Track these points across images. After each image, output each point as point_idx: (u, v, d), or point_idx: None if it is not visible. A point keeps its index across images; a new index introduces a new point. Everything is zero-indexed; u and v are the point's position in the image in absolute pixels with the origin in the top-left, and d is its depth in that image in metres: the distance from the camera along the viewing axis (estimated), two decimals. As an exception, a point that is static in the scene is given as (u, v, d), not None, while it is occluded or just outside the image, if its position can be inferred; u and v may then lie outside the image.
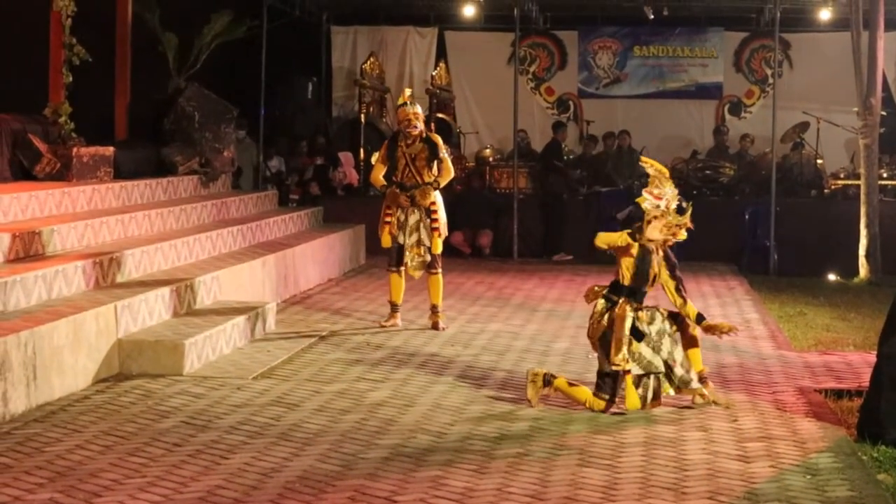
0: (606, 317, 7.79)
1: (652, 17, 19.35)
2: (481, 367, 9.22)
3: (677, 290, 7.91)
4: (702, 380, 8.01)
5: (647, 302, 7.98)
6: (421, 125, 10.68)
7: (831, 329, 11.29)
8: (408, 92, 11.04)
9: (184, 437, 6.94)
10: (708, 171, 17.83)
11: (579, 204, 17.52)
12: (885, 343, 7.39)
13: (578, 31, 20.53)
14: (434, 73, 19.84)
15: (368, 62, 19.50)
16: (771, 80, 19.02)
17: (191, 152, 13.88)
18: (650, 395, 7.79)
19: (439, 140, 10.81)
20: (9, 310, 7.99)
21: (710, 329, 7.96)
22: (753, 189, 17.77)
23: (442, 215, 10.71)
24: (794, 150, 18.33)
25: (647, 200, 7.82)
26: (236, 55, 17.63)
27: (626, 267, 7.80)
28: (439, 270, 10.81)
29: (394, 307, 10.86)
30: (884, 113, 16.53)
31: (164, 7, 15.31)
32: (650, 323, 7.80)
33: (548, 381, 7.92)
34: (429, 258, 10.71)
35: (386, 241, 10.73)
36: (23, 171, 11.68)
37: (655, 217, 7.79)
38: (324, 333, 10.46)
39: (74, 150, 11.82)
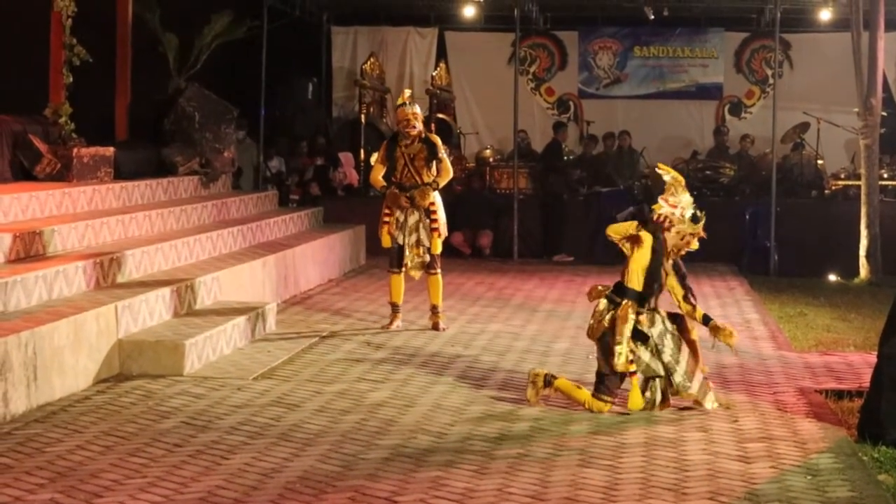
0: (608, 317, 7.79)
1: (652, 17, 19.35)
2: (482, 367, 9.22)
3: (685, 297, 7.94)
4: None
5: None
6: (420, 125, 10.68)
7: (832, 329, 11.29)
8: (407, 92, 11.04)
9: (184, 437, 6.94)
10: (708, 172, 17.83)
11: (579, 204, 17.52)
12: (886, 343, 7.39)
13: (579, 32, 20.53)
14: (434, 74, 19.83)
15: (369, 62, 19.50)
16: (771, 81, 19.02)
17: (191, 153, 13.88)
18: (658, 398, 7.79)
19: (438, 140, 10.81)
20: (9, 310, 8.00)
21: (715, 330, 7.98)
22: (754, 189, 17.77)
23: (441, 216, 10.71)
24: (794, 151, 18.33)
25: (662, 207, 7.87)
26: (236, 55, 17.63)
27: (639, 264, 7.75)
28: (439, 271, 10.81)
29: (394, 308, 10.86)
30: (884, 113, 16.51)
31: (165, 7, 15.31)
32: (651, 326, 7.80)
33: (548, 381, 7.92)
34: (428, 259, 10.71)
35: (385, 242, 10.73)
36: (23, 172, 11.68)
37: (672, 224, 7.82)
38: (324, 334, 10.46)
39: (75, 150, 11.83)
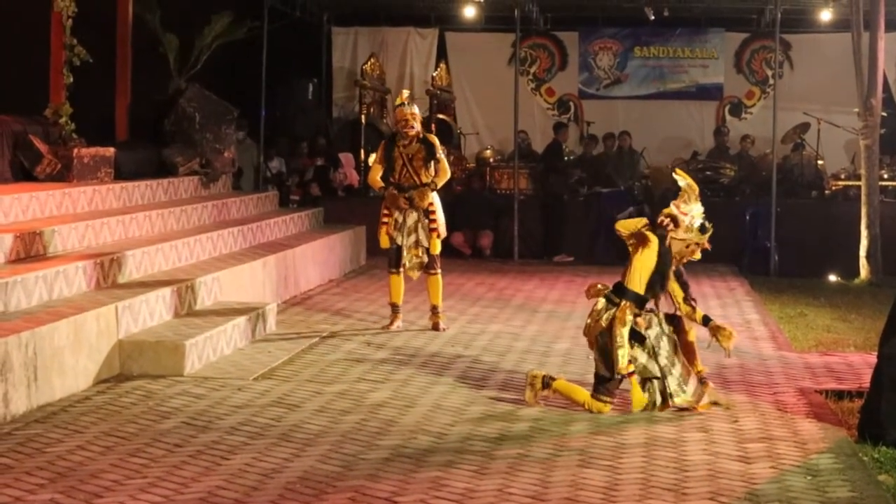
0: (605, 317, 7.79)
1: (652, 17, 19.34)
2: (482, 367, 9.22)
3: (685, 299, 7.98)
4: (701, 381, 8.01)
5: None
6: (418, 126, 10.69)
7: (832, 330, 11.29)
8: (405, 93, 11.06)
9: (184, 437, 6.94)
10: (708, 172, 17.83)
11: (580, 205, 17.52)
12: (886, 344, 7.39)
13: (579, 32, 20.53)
14: (434, 74, 19.84)
15: (369, 63, 19.51)
16: (771, 81, 19.02)
17: (191, 153, 13.88)
18: (658, 399, 7.80)
19: (436, 140, 10.82)
20: (10, 310, 8.00)
21: (715, 330, 8.01)
22: (754, 190, 17.77)
23: (440, 216, 10.72)
24: (794, 151, 18.33)
25: (671, 211, 7.89)
26: (237, 56, 17.64)
27: (643, 266, 7.74)
28: (438, 271, 10.81)
29: (394, 308, 10.86)
30: (884, 114, 16.50)
31: (165, 8, 15.32)
32: (648, 327, 7.81)
33: (546, 383, 7.93)
34: (426, 259, 10.71)
35: (384, 242, 10.74)
36: (23, 172, 11.69)
37: (677, 225, 7.85)
38: (324, 334, 10.46)
39: (75, 150, 11.83)
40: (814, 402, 8.17)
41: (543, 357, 9.67)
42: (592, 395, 7.81)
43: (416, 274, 10.77)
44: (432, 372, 8.99)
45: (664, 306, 7.98)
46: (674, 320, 7.97)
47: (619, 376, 7.73)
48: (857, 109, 15.94)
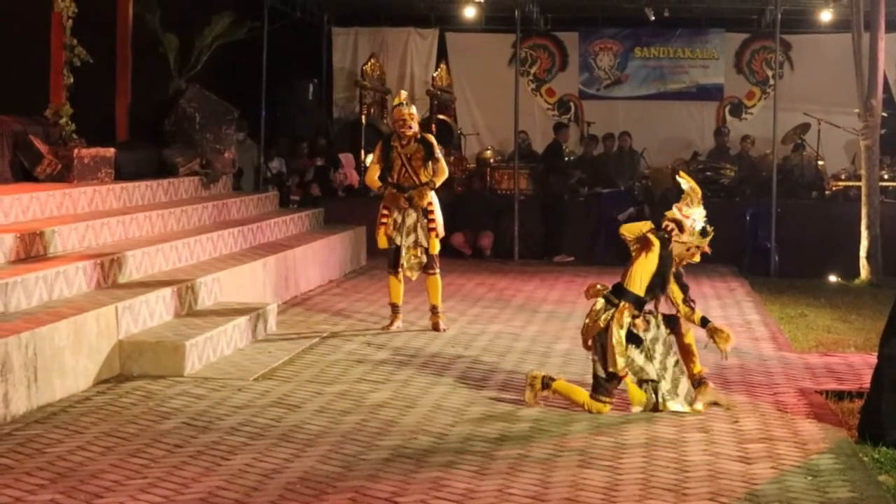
0: (603, 318, 7.79)
1: (653, 18, 19.34)
2: (482, 368, 9.22)
3: (685, 301, 8.00)
4: (701, 381, 8.02)
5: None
6: (415, 126, 10.70)
7: (832, 330, 11.29)
8: (403, 94, 11.07)
9: (185, 438, 6.94)
10: (709, 173, 17.82)
11: (580, 205, 17.52)
12: (886, 344, 7.39)
13: (579, 33, 20.53)
14: (435, 75, 19.84)
15: (369, 63, 19.51)
16: (772, 82, 19.01)
17: (192, 153, 13.88)
18: (655, 401, 7.80)
19: (433, 140, 10.83)
20: (10, 311, 8.00)
21: (713, 332, 8.02)
22: (754, 190, 17.76)
23: (438, 215, 10.72)
24: (794, 152, 18.32)
25: (676, 215, 7.91)
26: (237, 56, 17.64)
27: (644, 268, 7.76)
28: (437, 271, 10.81)
29: (394, 309, 10.86)
30: (885, 114, 16.50)
31: (165, 8, 15.32)
32: (646, 330, 7.82)
33: (546, 383, 7.93)
34: (425, 259, 10.71)
35: (382, 243, 10.74)
36: (24, 173, 11.69)
37: (682, 230, 7.87)
38: (325, 335, 10.46)
39: (75, 151, 11.83)
40: (814, 403, 8.18)
41: (543, 357, 9.67)
42: (592, 396, 7.81)
43: (414, 275, 10.76)
44: (433, 372, 8.99)
45: (663, 307, 7.98)
46: (671, 322, 7.97)
47: (615, 376, 7.74)
48: (857, 110, 15.94)
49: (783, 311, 12.41)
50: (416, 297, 11.82)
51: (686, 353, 8.01)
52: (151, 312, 9.11)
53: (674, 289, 7.98)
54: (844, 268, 15.62)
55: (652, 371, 7.79)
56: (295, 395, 8.14)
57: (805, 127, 18.27)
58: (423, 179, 10.62)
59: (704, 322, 8.09)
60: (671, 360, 7.85)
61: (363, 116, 18.77)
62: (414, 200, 10.59)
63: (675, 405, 7.80)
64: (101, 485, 6.02)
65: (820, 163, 18.28)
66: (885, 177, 17.16)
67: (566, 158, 18.27)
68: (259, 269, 11.73)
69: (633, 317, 7.76)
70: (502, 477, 6.32)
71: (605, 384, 7.78)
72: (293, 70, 19.54)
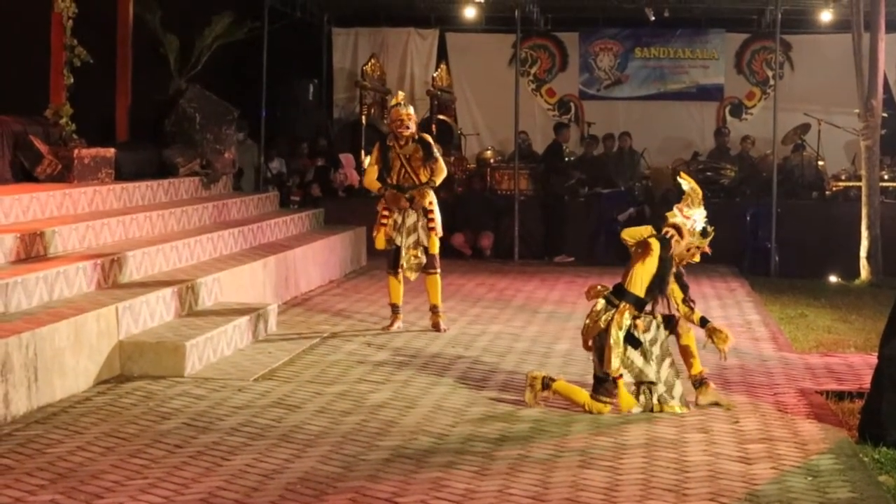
0: (604, 318, 7.79)
1: (653, 18, 19.35)
2: (482, 368, 9.22)
3: (684, 301, 8.03)
4: (702, 381, 8.03)
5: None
6: (413, 126, 10.71)
7: (832, 331, 11.29)
8: (401, 94, 11.10)
9: (185, 438, 6.94)
10: (709, 173, 17.83)
11: (580, 205, 17.53)
12: (887, 345, 7.39)
13: (579, 33, 20.54)
14: (435, 75, 19.85)
15: (369, 63, 19.52)
16: (772, 82, 19.01)
17: (192, 154, 13.88)
18: (654, 402, 7.81)
19: (430, 140, 10.85)
20: (10, 311, 8.00)
21: (712, 332, 8.04)
22: (754, 191, 17.77)
23: (437, 215, 10.73)
24: (795, 152, 18.33)
25: (676, 216, 7.92)
26: (237, 57, 17.65)
27: (645, 270, 7.76)
28: (437, 270, 10.81)
29: (395, 309, 10.86)
30: (885, 115, 16.51)
31: (165, 8, 15.33)
32: (645, 331, 7.82)
33: (546, 384, 7.93)
34: (425, 260, 10.71)
35: (380, 244, 10.74)
36: (24, 173, 11.69)
37: (681, 236, 7.89)
38: (325, 335, 10.46)
39: (75, 151, 11.83)
40: (814, 403, 8.17)
41: (544, 358, 9.67)
42: (592, 396, 7.81)
43: (413, 275, 10.76)
44: (433, 373, 8.99)
45: (662, 308, 7.98)
46: (670, 323, 7.98)
47: (610, 377, 7.75)
48: (857, 110, 15.94)
49: (783, 312, 12.41)
50: (416, 298, 11.81)
51: (685, 354, 8.03)
52: (152, 313, 9.11)
53: (674, 288, 8.00)
54: (845, 268, 15.63)
55: (651, 373, 7.80)
56: (295, 395, 8.14)
57: (805, 127, 18.27)
58: (423, 179, 10.63)
59: (704, 322, 8.12)
60: (667, 363, 7.86)
61: (363, 117, 18.78)
62: (415, 200, 10.59)
63: (670, 408, 7.80)
64: (101, 485, 6.02)
65: (820, 163, 18.29)
66: (886, 177, 17.16)
67: (566, 159, 18.27)
68: (259, 270, 11.72)
69: (634, 317, 7.77)
70: (502, 477, 6.32)
71: (605, 384, 7.79)
72: (293, 70, 19.55)
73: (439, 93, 19.40)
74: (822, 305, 12.94)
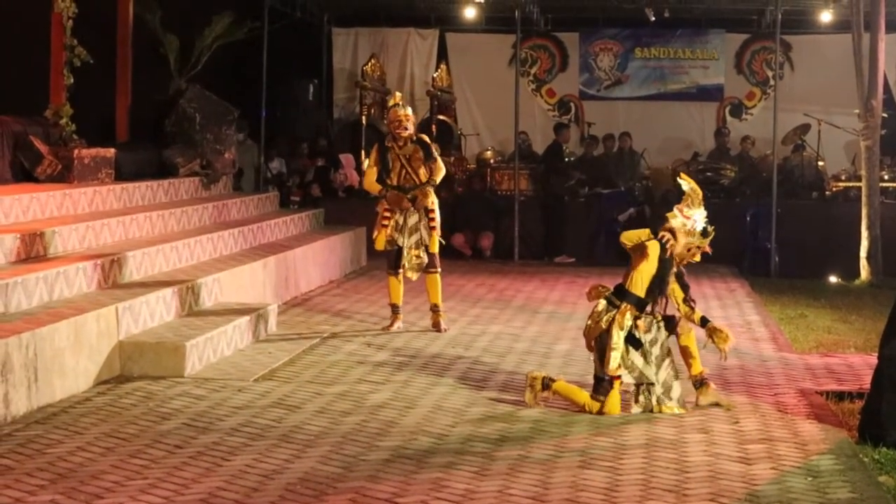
0: (605, 319, 7.80)
1: (653, 18, 19.35)
2: (482, 368, 9.22)
3: (685, 300, 8.03)
4: (702, 381, 8.03)
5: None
6: (411, 127, 10.73)
7: (832, 331, 11.29)
8: (398, 95, 11.13)
9: (185, 438, 6.94)
10: (709, 173, 17.83)
11: (580, 206, 17.53)
12: (887, 345, 7.39)
13: (579, 33, 20.54)
14: (435, 75, 19.85)
15: (369, 64, 19.52)
16: (772, 82, 19.01)
17: (192, 154, 13.88)
18: (653, 404, 7.82)
19: (428, 140, 10.88)
20: (10, 311, 8.00)
21: (712, 332, 8.05)
22: (754, 191, 17.77)
23: (438, 214, 10.74)
24: (795, 152, 18.34)
25: (676, 217, 7.93)
26: (237, 57, 17.65)
27: (645, 271, 7.77)
28: (438, 270, 10.82)
29: (395, 309, 10.86)
30: (885, 115, 16.51)
31: (165, 9, 15.32)
32: (646, 332, 7.83)
33: (546, 384, 7.93)
34: (426, 259, 10.71)
35: (380, 245, 10.73)
36: (24, 173, 11.69)
37: (674, 244, 7.90)
38: (325, 335, 10.46)
39: (75, 151, 11.83)
40: (814, 404, 8.17)
41: (544, 358, 9.67)
42: (592, 397, 7.81)
43: (415, 275, 10.76)
44: (433, 373, 8.99)
45: (663, 309, 7.99)
46: (670, 323, 7.98)
47: (608, 377, 7.75)
48: (857, 110, 15.94)
49: (783, 312, 12.41)
50: (416, 298, 11.81)
51: (685, 355, 8.03)
52: (152, 313, 9.11)
53: (675, 288, 8.01)
54: (845, 268, 15.63)
55: (651, 373, 7.80)
56: (295, 395, 8.13)
57: (805, 127, 18.28)
58: (423, 179, 10.63)
59: (704, 322, 8.13)
60: (666, 364, 7.86)
61: (363, 117, 18.79)
62: (418, 199, 10.60)
63: (668, 409, 7.80)
64: (101, 485, 6.02)
65: (820, 163, 18.29)
66: (886, 177, 17.17)
67: (566, 159, 18.27)
68: (259, 270, 11.73)
69: (635, 318, 7.78)
70: (502, 478, 6.32)
71: (606, 385, 7.79)
72: (293, 70, 19.55)
73: (439, 93, 19.41)
74: (822, 306, 12.94)
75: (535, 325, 11.37)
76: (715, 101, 20.34)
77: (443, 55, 20.53)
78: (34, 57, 12.45)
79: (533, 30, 20.10)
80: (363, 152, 18.05)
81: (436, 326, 10.78)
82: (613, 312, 7.77)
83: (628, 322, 7.74)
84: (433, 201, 10.69)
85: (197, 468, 6.36)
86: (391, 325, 10.80)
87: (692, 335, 8.05)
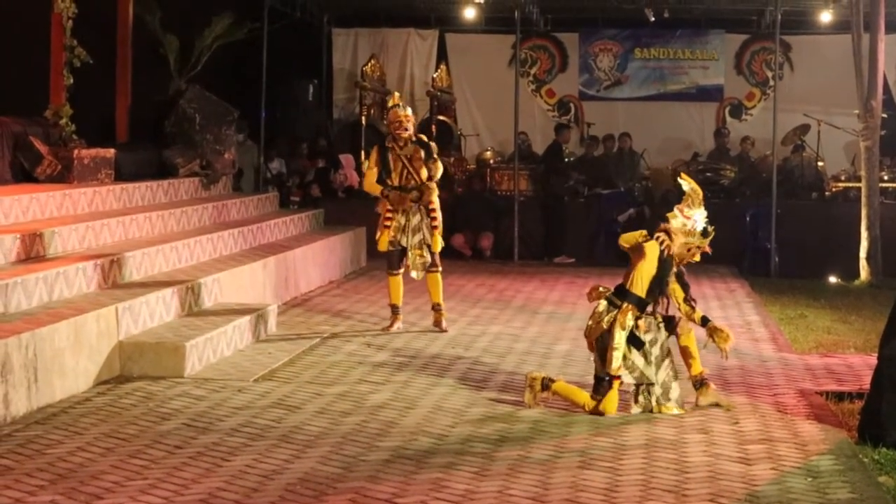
0: (607, 319, 7.80)
1: (653, 19, 19.33)
2: (482, 369, 9.22)
3: (685, 299, 8.04)
4: (702, 382, 8.03)
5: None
6: (412, 128, 10.74)
7: (832, 331, 11.29)
8: (397, 95, 11.14)
9: (185, 439, 6.94)
10: (709, 174, 17.82)
11: (580, 206, 17.53)
12: (886, 345, 7.39)
13: (579, 34, 20.53)
14: (435, 76, 19.84)
15: (369, 64, 19.52)
16: (772, 83, 19.01)
17: (192, 154, 13.88)
18: (653, 404, 7.82)
19: (426, 140, 10.89)
20: (10, 311, 8.00)
21: (713, 331, 8.05)
22: (754, 191, 17.76)
23: (439, 213, 10.75)
24: (794, 153, 18.33)
25: (677, 217, 7.94)
26: (237, 57, 17.64)
27: (645, 272, 7.78)
28: (439, 269, 10.83)
29: (394, 310, 10.86)
30: (884, 115, 16.50)
31: (165, 9, 15.32)
32: (646, 332, 7.83)
33: (546, 384, 7.93)
34: (429, 258, 10.72)
35: (383, 246, 10.73)
36: (24, 173, 11.69)
37: (682, 233, 7.91)
38: (325, 335, 10.46)
39: (75, 152, 11.83)
40: (814, 404, 8.18)
41: (544, 359, 9.67)
42: (592, 397, 7.81)
43: (420, 274, 10.77)
44: (433, 373, 8.99)
45: (663, 309, 7.99)
46: (670, 324, 7.99)
47: (608, 377, 7.75)
48: (857, 111, 15.94)
49: (783, 312, 12.41)
50: (416, 298, 11.82)
51: (685, 355, 8.03)
52: (151, 313, 9.11)
53: (675, 288, 8.01)
54: (844, 269, 15.62)
55: (652, 374, 7.81)
56: (295, 396, 8.14)
57: (805, 128, 18.27)
58: (424, 179, 10.64)
59: (705, 321, 8.14)
60: (665, 364, 7.86)
61: (363, 117, 18.78)
62: (424, 196, 10.60)
63: (667, 409, 7.81)
64: (101, 486, 6.02)
65: (820, 164, 18.28)
66: (885, 178, 17.16)
67: (566, 159, 18.27)
68: (259, 270, 11.73)
69: (636, 318, 7.78)
70: (502, 478, 6.32)
71: (606, 385, 7.79)
72: (293, 71, 19.55)
73: (439, 93, 19.40)
74: (822, 306, 12.94)
75: (534, 325, 11.37)
76: (715, 102, 20.34)
77: (442, 56, 20.53)
78: (34, 57, 12.45)
79: (533, 30, 20.10)
80: (363, 153, 18.04)
81: (437, 325, 10.79)
82: (614, 313, 7.78)
83: (630, 322, 7.74)
84: (436, 200, 10.70)
85: (197, 468, 6.36)
86: (391, 325, 10.80)
87: (692, 335, 8.06)
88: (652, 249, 7.82)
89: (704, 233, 8.01)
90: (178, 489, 6.01)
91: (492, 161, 18.72)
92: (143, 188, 12.41)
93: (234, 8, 16.68)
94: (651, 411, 7.80)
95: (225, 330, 9.36)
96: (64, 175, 11.69)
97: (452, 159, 17.95)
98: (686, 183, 8.19)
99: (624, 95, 20.42)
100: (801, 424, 7.60)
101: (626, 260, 8.03)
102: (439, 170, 10.73)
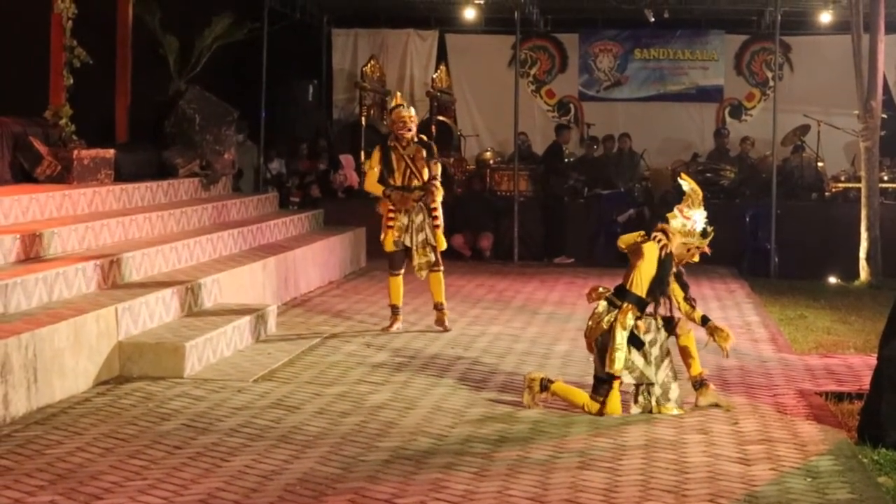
0: (606, 320, 7.81)
1: (653, 19, 19.33)
2: (482, 369, 9.22)
3: (685, 299, 8.05)
4: (702, 382, 8.04)
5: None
6: (414, 128, 10.76)
7: (832, 332, 11.29)
8: (399, 95, 11.15)
9: (184, 439, 6.94)
10: (708, 174, 17.82)
11: (580, 206, 17.53)
12: (886, 346, 7.39)
13: (579, 34, 20.53)
14: (435, 76, 19.84)
15: (369, 65, 19.51)
16: (771, 83, 19.01)
17: (191, 155, 13.88)
18: (653, 405, 7.82)
19: (426, 139, 10.90)
20: (10, 312, 8.00)
21: (713, 331, 8.06)
22: (754, 192, 17.77)
23: (440, 212, 10.76)
24: (794, 153, 18.33)
25: (677, 217, 7.95)
26: (237, 57, 17.64)
27: (644, 272, 7.79)
28: (441, 268, 10.84)
29: (394, 310, 10.86)
30: (884, 116, 16.52)
31: (165, 9, 15.31)
32: (646, 332, 7.84)
33: (545, 385, 7.93)
34: (433, 258, 10.73)
35: (389, 246, 10.73)
36: (23, 174, 11.69)
37: (681, 234, 7.92)
38: (325, 336, 10.46)
39: (75, 152, 11.83)
40: (814, 404, 8.18)
41: (543, 359, 9.67)
42: (591, 397, 7.82)
43: (424, 273, 10.78)
44: (432, 374, 8.99)
45: (663, 309, 7.99)
46: (669, 324, 7.99)
47: (608, 377, 7.75)
48: (857, 111, 15.94)
49: (783, 313, 12.41)
50: (416, 299, 11.82)
51: (685, 355, 8.03)
52: (151, 314, 9.11)
53: (675, 287, 8.01)
54: (844, 269, 15.63)
55: (652, 374, 7.81)
56: (294, 396, 8.14)
57: (805, 128, 18.27)
58: (426, 178, 10.65)
59: (705, 321, 8.14)
60: (665, 365, 7.87)
61: (363, 118, 18.78)
62: (429, 197, 10.61)
63: (667, 410, 7.81)
64: (100, 486, 6.02)
65: (820, 164, 18.28)
66: (885, 178, 17.16)
67: (566, 160, 18.27)
68: (259, 271, 11.73)
69: (636, 318, 7.78)
70: (502, 478, 6.32)
71: (606, 385, 7.79)
72: (293, 71, 19.54)
73: (439, 94, 19.40)
74: (822, 307, 12.95)
75: (534, 325, 11.37)
76: (714, 102, 20.34)
77: (442, 56, 20.53)
78: (34, 57, 12.45)
79: (532, 31, 20.09)
80: (363, 153, 18.05)
81: (440, 324, 10.79)
82: (615, 313, 7.78)
83: (630, 321, 7.73)
84: (438, 199, 10.70)
85: (196, 469, 6.36)
86: (391, 325, 10.80)
87: (691, 336, 8.06)
88: (650, 250, 7.83)
89: (704, 233, 8.02)
90: (178, 489, 6.01)
91: (492, 161, 18.72)
92: (143, 188, 12.42)
93: (234, 8, 16.67)
94: (651, 412, 7.80)
95: (224, 330, 9.36)
96: (64, 175, 11.69)
97: (452, 160, 17.95)
98: (686, 183, 8.20)
99: (624, 96, 20.42)
100: (800, 425, 7.60)
101: (626, 261, 8.03)
102: (439, 170, 10.76)
